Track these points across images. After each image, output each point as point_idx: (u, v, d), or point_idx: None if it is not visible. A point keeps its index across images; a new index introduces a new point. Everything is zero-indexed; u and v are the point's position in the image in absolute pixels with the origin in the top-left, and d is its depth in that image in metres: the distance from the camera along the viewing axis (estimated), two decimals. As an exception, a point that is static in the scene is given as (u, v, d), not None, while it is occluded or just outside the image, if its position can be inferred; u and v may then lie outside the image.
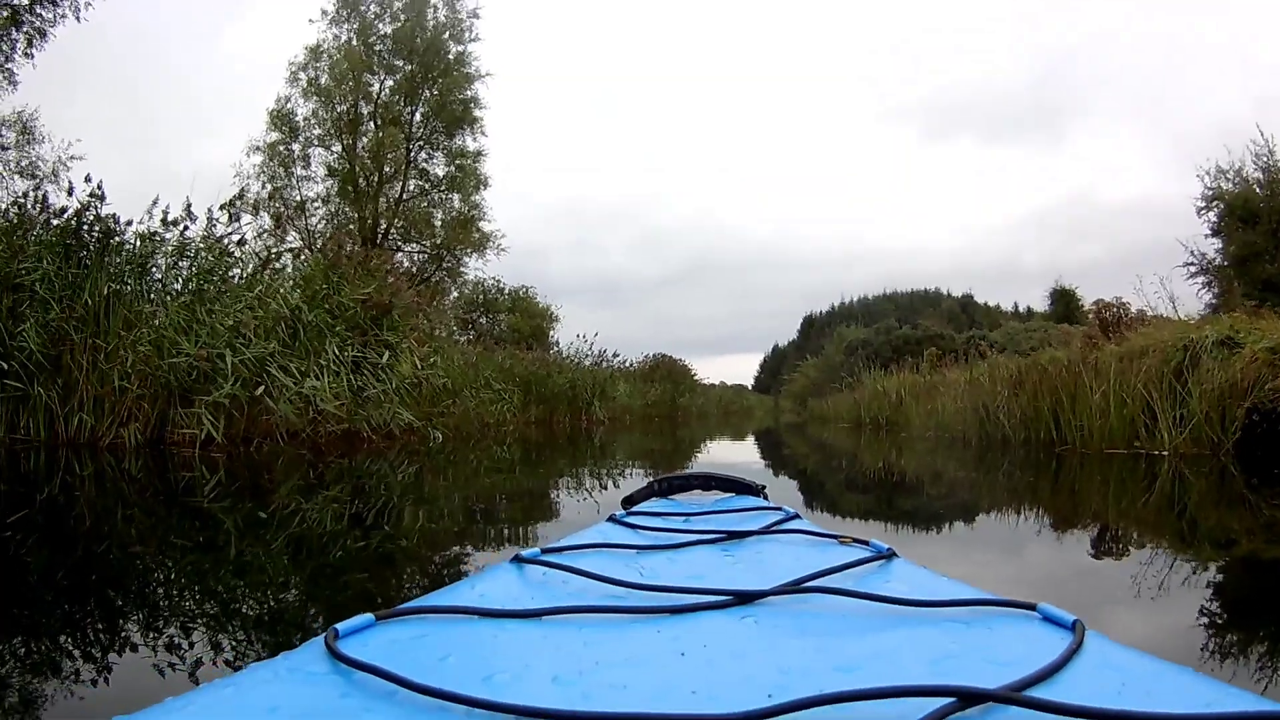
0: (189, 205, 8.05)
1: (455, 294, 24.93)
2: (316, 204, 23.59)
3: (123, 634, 1.56)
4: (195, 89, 47.07)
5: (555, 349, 21.10)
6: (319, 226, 22.64)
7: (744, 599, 0.89)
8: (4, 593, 1.93)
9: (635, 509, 1.63)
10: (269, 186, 22.41)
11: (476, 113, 24.58)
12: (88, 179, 8.23)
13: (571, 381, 17.40)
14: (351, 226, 22.12)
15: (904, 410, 14.60)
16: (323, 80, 23.32)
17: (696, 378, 30.21)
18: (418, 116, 24.45)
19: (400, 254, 23.82)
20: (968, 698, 0.58)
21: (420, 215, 24.29)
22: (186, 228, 8.01)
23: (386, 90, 24.17)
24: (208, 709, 0.62)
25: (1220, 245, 20.20)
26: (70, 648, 1.47)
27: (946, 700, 0.58)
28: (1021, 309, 64.19)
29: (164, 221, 8.13)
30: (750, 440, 12.53)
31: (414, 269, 23.61)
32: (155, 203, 7.87)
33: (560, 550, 1.15)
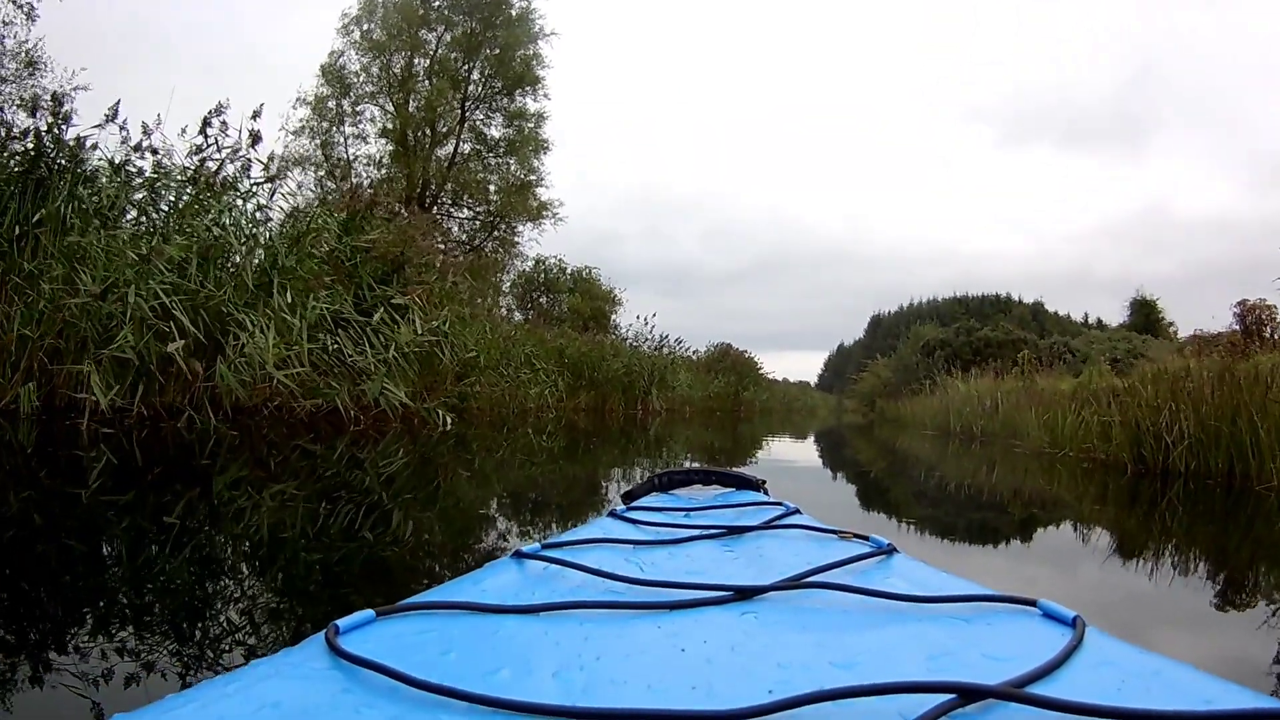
0: (157, 122, 6.63)
1: (516, 271, 23.49)
2: (368, 165, 22.32)
3: None
4: (271, 60, 47.02)
5: (615, 332, 19.66)
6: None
7: (744, 594, 0.85)
8: None
9: (635, 504, 1.55)
10: (317, 140, 21.28)
11: (539, 71, 22.87)
12: (54, 97, 7.25)
13: (627, 366, 15.92)
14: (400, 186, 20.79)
15: (1000, 418, 12.66)
16: (375, 34, 21.95)
17: (762, 371, 28.37)
18: (475, 74, 22.90)
19: (450, 219, 22.45)
20: (968, 694, 0.56)
21: (473, 179, 22.76)
22: (156, 151, 6.64)
23: (443, 46, 22.71)
24: (208, 705, 0.58)
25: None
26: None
27: (946, 696, 0.56)
28: (1092, 319, 61.18)
29: (135, 147, 6.83)
30: (810, 442, 10.80)
31: (464, 235, 22.25)
32: (114, 115, 6.43)
33: (561, 545, 1.09)
